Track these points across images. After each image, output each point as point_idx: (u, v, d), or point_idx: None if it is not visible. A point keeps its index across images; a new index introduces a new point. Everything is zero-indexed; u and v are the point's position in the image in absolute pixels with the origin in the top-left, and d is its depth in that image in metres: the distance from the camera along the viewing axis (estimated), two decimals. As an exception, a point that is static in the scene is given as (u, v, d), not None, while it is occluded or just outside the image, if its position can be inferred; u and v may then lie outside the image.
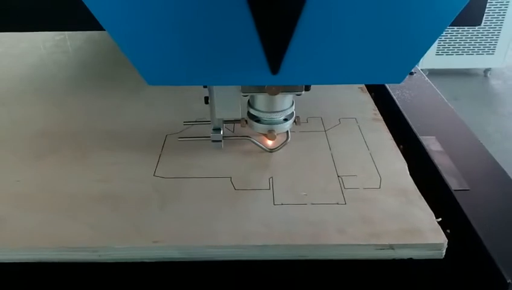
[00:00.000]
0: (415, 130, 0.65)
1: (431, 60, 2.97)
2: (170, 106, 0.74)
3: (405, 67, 0.40)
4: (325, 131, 0.66)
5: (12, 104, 0.77)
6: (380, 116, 0.69)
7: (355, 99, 0.75)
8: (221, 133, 0.59)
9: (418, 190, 0.53)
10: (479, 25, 0.49)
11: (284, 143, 0.60)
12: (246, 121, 0.59)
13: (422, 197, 0.52)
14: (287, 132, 0.60)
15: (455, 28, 2.84)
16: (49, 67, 0.93)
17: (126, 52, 0.38)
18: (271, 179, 0.56)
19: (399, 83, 0.41)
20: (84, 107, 0.74)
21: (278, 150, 0.61)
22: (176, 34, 0.36)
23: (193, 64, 0.39)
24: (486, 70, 3.10)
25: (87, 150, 0.62)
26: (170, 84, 0.41)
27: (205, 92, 0.56)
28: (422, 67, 2.91)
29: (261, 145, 0.61)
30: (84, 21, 0.38)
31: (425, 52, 0.38)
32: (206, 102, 0.57)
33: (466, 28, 2.85)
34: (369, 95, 0.76)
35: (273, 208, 0.51)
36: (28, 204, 0.52)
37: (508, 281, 0.42)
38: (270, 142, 0.61)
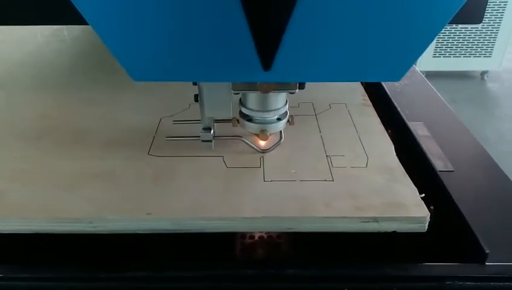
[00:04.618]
0: (403, 115, 0.67)
1: (428, 62, 2.98)
2: (164, 93, 0.75)
3: (403, 65, 0.39)
4: (315, 115, 0.67)
5: (10, 88, 0.79)
6: (369, 102, 0.71)
7: (346, 86, 0.76)
8: (212, 132, 0.57)
9: (402, 168, 0.55)
10: (480, 23, 0.49)
11: (277, 144, 0.58)
12: (238, 120, 0.56)
13: (406, 175, 0.53)
14: (280, 131, 0.58)
15: (452, 30, 2.86)
16: (46, 55, 0.94)
17: (110, 47, 0.36)
18: (262, 158, 0.57)
19: (397, 81, 0.40)
20: (80, 93, 0.76)
21: (271, 151, 0.59)
22: (163, 28, 0.35)
23: (181, 60, 0.37)
24: (483, 73, 3.11)
25: (84, 131, 0.64)
26: (157, 80, 0.39)
27: (195, 89, 0.53)
28: (419, 70, 2.91)
29: (253, 145, 0.59)
30: (73, 16, 0.35)
31: (424, 50, 0.36)
32: (196, 100, 0.54)
33: (463, 30, 2.87)
34: (359, 82, 0.78)
35: (263, 184, 0.53)
36: (25, 179, 0.54)
37: (486, 252, 0.44)
38: (262, 143, 0.59)
